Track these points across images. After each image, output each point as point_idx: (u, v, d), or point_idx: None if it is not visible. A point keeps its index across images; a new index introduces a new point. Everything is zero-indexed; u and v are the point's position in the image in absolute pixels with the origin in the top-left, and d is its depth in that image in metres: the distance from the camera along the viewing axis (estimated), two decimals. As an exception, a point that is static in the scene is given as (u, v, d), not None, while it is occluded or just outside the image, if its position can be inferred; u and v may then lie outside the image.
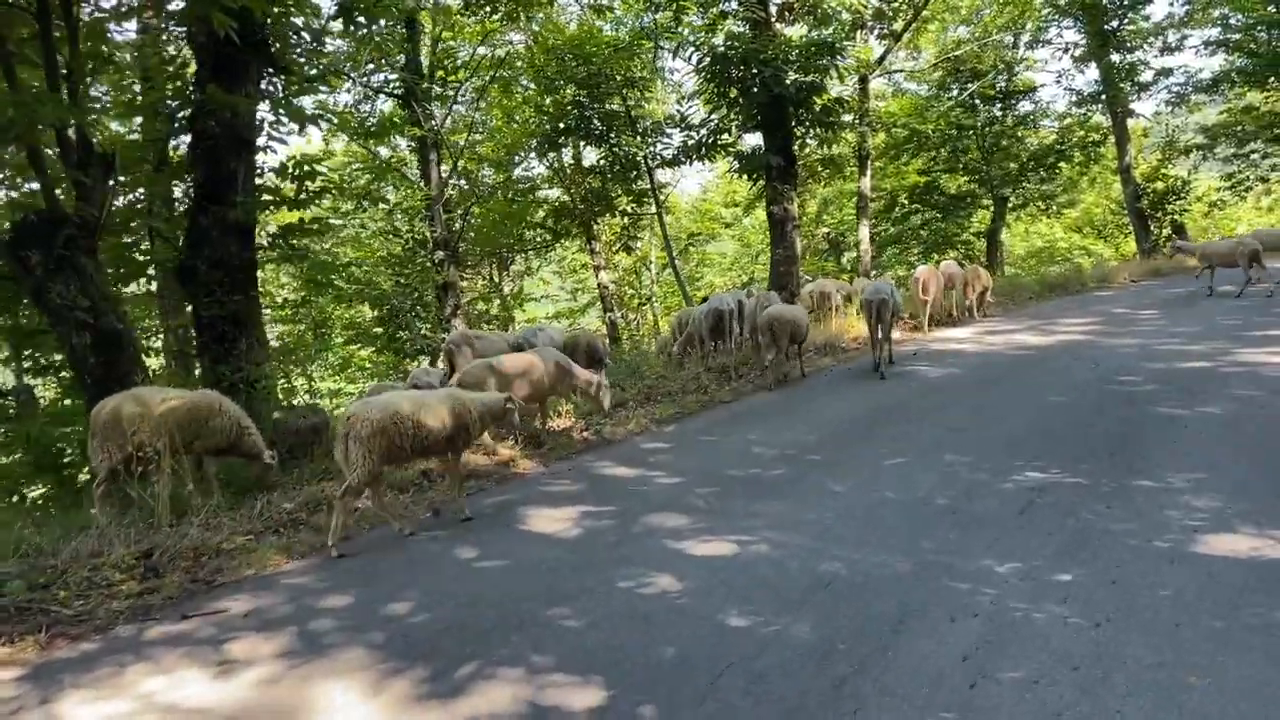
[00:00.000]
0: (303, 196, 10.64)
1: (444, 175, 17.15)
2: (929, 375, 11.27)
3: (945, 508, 5.91)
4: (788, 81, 14.56)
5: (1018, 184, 27.25)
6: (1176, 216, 28.24)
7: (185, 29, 10.12)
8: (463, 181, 19.89)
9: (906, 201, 26.97)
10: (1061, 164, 31.56)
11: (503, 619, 4.54)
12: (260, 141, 9.85)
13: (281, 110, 10.16)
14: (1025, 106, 29.43)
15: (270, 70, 10.27)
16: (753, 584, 4.80)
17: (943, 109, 24.92)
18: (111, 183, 8.96)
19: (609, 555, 5.47)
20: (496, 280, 34.24)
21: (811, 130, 16.30)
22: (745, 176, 16.59)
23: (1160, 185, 28.20)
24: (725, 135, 16.83)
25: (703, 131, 16.87)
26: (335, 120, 11.68)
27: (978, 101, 26.12)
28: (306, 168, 10.56)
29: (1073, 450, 7.08)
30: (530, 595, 4.85)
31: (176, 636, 4.61)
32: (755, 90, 14.93)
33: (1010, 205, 30.83)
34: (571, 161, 19.48)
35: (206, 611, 4.91)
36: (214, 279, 9.25)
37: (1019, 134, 27.90)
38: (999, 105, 26.41)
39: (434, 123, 16.63)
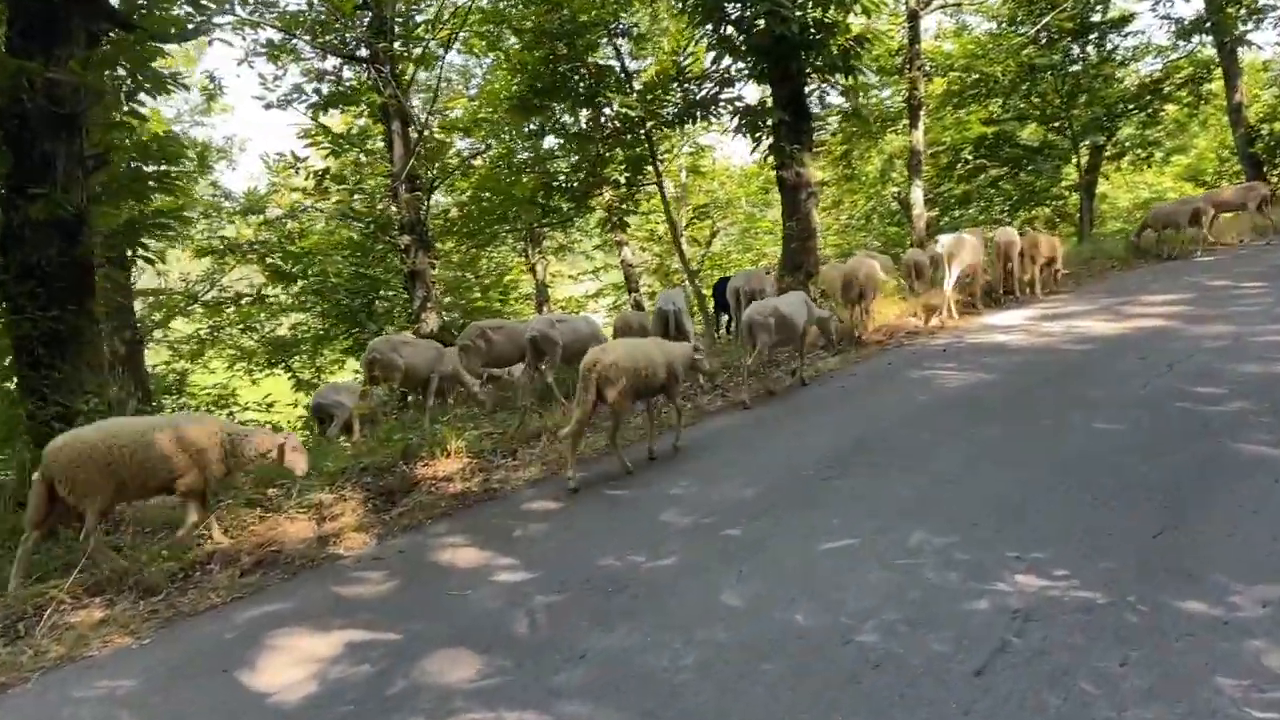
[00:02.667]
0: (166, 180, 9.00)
1: (412, 146, 15.40)
2: (947, 384, 9.05)
3: (872, 653, 3.89)
4: (792, 20, 12.23)
5: (1108, 131, 24.06)
6: (1298, 162, 24.67)
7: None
8: (457, 152, 18.18)
9: (970, 156, 24.02)
10: (1167, 106, 28.22)
11: None
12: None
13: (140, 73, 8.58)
14: (1115, 41, 26.20)
15: (113, 27, 8.67)
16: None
17: (1011, 46, 21.92)
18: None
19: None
20: (530, 258, 32.68)
21: (828, 78, 13.93)
22: (748, 136, 14.31)
23: (1279, 126, 24.66)
24: (730, 89, 14.59)
25: (707, 85, 14.65)
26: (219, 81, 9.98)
27: (1055, 35, 22.99)
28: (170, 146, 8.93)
29: (1099, 527, 4.93)
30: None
31: None
32: (754, 31, 12.66)
33: (1107, 154, 27.66)
34: (567, 126, 17.32)
35: None
36: (24, 290, 7.71)
37: (1107, 72, 24.65)
38: (1082, 40, 23.22)
39: (393, 88, 14.86)
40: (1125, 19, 24.32)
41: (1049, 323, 11.93)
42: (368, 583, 5.46)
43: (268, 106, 16.35)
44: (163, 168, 8.93)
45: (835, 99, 14.79)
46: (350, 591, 5.34)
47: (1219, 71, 24.99)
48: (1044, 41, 22.85)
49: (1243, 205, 18.13)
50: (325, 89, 15.21)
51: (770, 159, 14.29)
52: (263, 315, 18.88)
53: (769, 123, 13.65)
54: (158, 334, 19.94)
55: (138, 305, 20.17)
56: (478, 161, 17.94)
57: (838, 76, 13.97)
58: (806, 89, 14.21)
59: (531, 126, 16.98)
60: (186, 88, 8.95)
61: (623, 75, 15.39)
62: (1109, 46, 24.00)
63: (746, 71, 13.93)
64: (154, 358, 20.21)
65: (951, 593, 4.36)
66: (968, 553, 4.81)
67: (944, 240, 13.72)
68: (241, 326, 19.49)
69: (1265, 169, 24.69)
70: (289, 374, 18.02)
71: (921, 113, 20.32)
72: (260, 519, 6.70)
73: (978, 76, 22.29)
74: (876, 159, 29.67)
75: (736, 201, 31.94)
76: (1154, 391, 7.61)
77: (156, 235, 9.14)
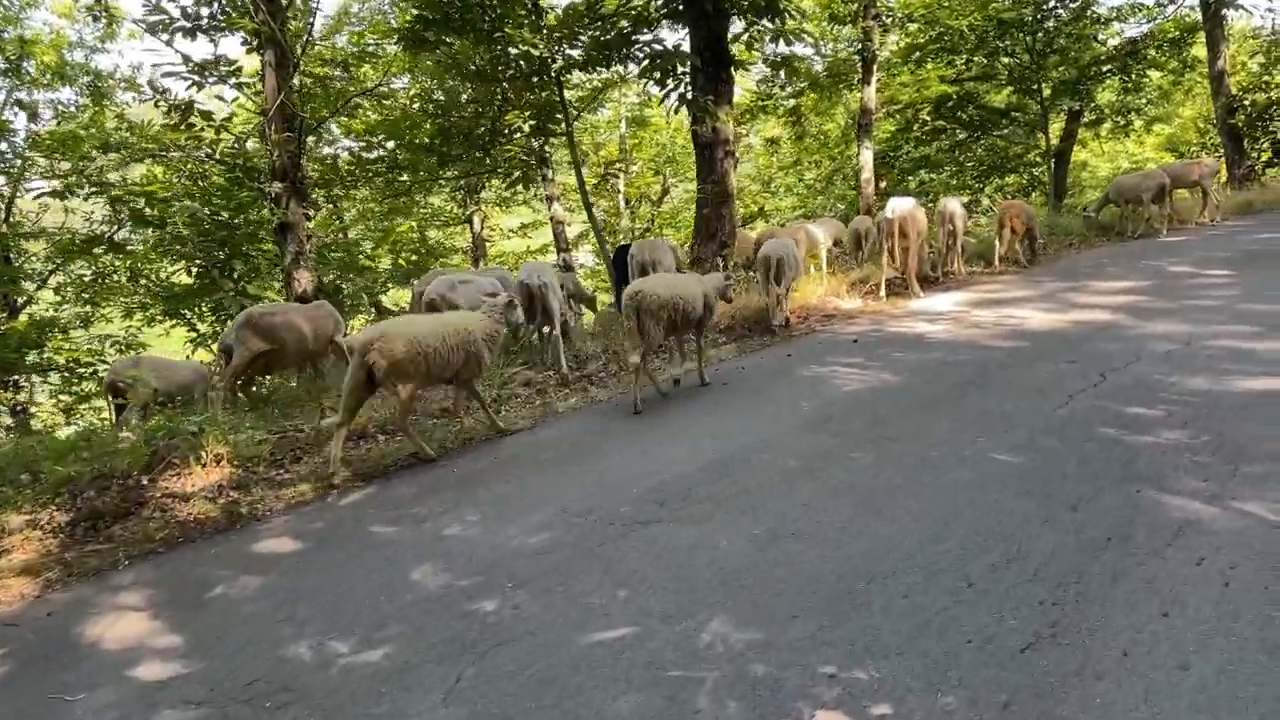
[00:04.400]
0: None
1: (287, 80, 13.72)
2: (842, 388, 7.73)
3: None
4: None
5: (1080, 96, 22.63)
6: (1280, 136, 23.49)
7: None
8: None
9: (929, 117, 22.52)
10: (1150, 71, 26.88)
11: None
12: None
13: None
14: (1095, -1, 24.76)
15: None
16: None
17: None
18: None
19: None
20: (464, 209, 30.90)
21: (754, 20, 12.38)
22: (658, 85, 12.73)
23: (1262, 97, 23.39)
24: (647, 30, 12.95)
25: (621, 24, 13.02)
26: None
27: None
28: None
29: (960, 627, 3.64)
30: None
31: None
32: (665, -40, 11.11)
33: (1085, 121, 26.35)
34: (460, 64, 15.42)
35: None
36: None
37: (1082, 32, 23.19)
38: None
39: (264, 10, 13.14)
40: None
41: (983, 310, 10.66)
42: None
43: (152, 31, 14.58)
44: None
45: (786, 47, 12.99)
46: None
47: (1203, 36, 23.71)
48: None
49: (1194, 182, 16.84)
50: (198, 10, 13.44)
51: (680, 112, 12.79)
52: (160, 263, 17.32)
53: (681, 69, 12.11)
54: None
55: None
56: (367, 103, 16.25)
57: (765, 21, 12.38)
58: (730, 33, 12.66)
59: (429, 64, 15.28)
60: None
61: (532, 9, 13.71)
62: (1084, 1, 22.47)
63: (661, 8, 12.34)
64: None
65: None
66: (768, 662, 3.50)
67: (894, 205, 12.21)
68: (128, 275, 17.92)
69: (1245, 142, 23.52)
70: (187, 326, 16.45)
71: (875, 67, 18.86)
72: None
73: (941, 30, 20.73)
74: (841, 117, 28.17)
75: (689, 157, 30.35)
76: (1076, 412, 6.32)
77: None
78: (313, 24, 14.40)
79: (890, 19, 20.26)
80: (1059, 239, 16.40)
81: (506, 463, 6.57)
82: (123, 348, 18.05)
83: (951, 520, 4.70)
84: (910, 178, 25.28)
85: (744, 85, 24.06)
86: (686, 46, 12.72)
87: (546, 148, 21.41)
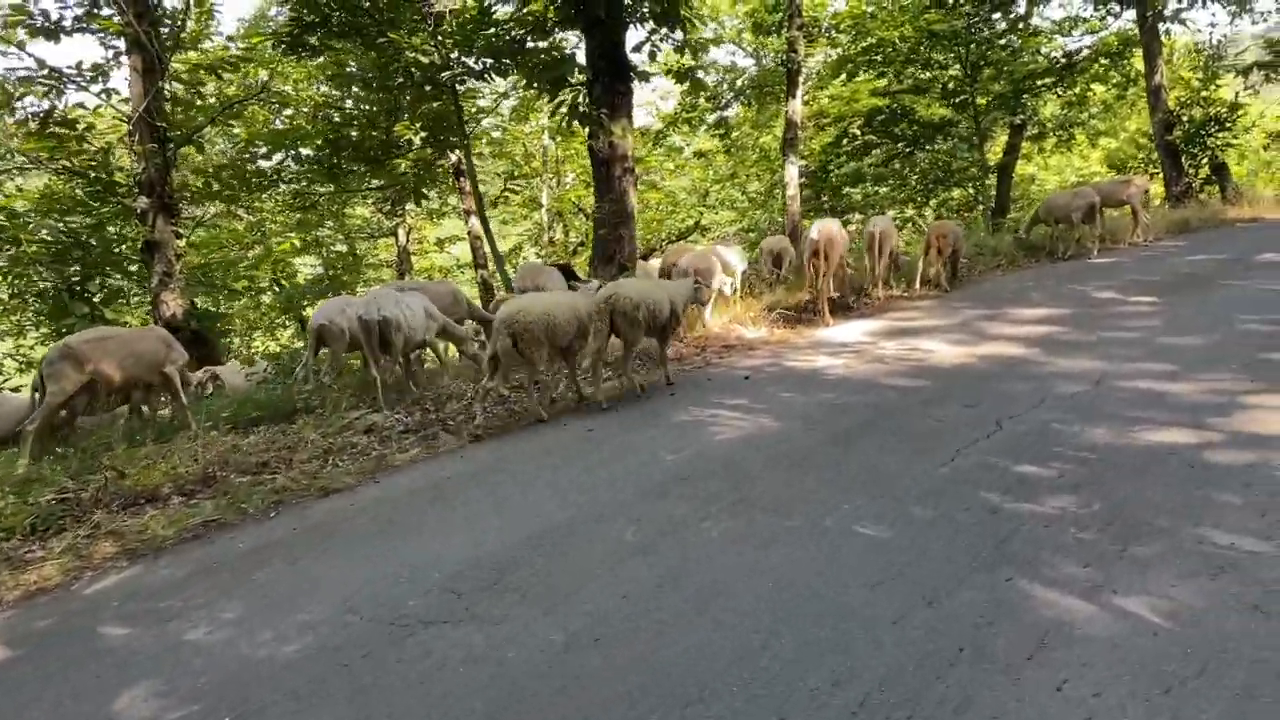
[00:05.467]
0: None
1: (155, 86, 12.78)
2: (715, 438, 7.00)
3: None
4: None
5: (1015, 110, 22.31)
6: (1218, 153, 23.30)
7: None
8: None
9: (859, 131, 22.02)
10: (1094, 85, 26.79)
11: None
12: None
13: None
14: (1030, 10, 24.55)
15: None
16: None
17: (908, 5, 19.93)
18: None
19: None
20: (393, 224, 29.85)
21: (657, 28, 11.68)
22: (547, 97, 11.96)
23: (1199, 113, 23.23)
24: (544, 37, 12.18)
25: (515, 31, 12.25)
26: None
27: (962, 2, 21.08)
28: None
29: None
30: None
31: None
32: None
33: (1028, 134, 26.16)
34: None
35: None
36: None
37: (1026, 42, 22.93)
38: (989, 5, 21.37)
39: (129, 12, 12.21)
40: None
41: (890, 341, 10.04)
42: None
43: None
44: None
45: (691, 58, 12.28)
46: None
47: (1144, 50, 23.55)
48: (951, 5, 20.91)
49: (1123, 201, 16.48)
50: (60, 11, 12.47)
51: (573, 125, 12.02)
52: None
53: (576, 79, 11.37)
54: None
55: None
56: (262, 113, 15.28)
57: (665, 30, 11.68)
58: (631, 40, 12.00)
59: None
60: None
61: (424, 14, 12.88)
62: (1019, 12, 22.20)
63: (555, 13, 11.59)
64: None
65: None
66: None
67: (819, 226, 11.78)
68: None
69: (1183, 159, 23.36)
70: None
71: (800, 79, 18.30)
72: None
73: (873, 42, 20.24)
74: (781, 129, 27.63)
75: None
76: (960, 470, 5.65)
77: None
78: (183, 26, 13.40)
79: (817, 29, 19.70)
80: (987, 259, 15.91)
81: (308, 533, 5.73)
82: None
83: (786, 621, 3.96)
84: (851, 190, 24.76)
85: (671, 96, 23.50)
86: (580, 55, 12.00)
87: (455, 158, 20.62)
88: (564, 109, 11.19)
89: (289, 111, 15.92)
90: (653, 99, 31.01)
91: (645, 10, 11.25)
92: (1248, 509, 4.60)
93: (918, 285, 13.52)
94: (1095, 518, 4.72)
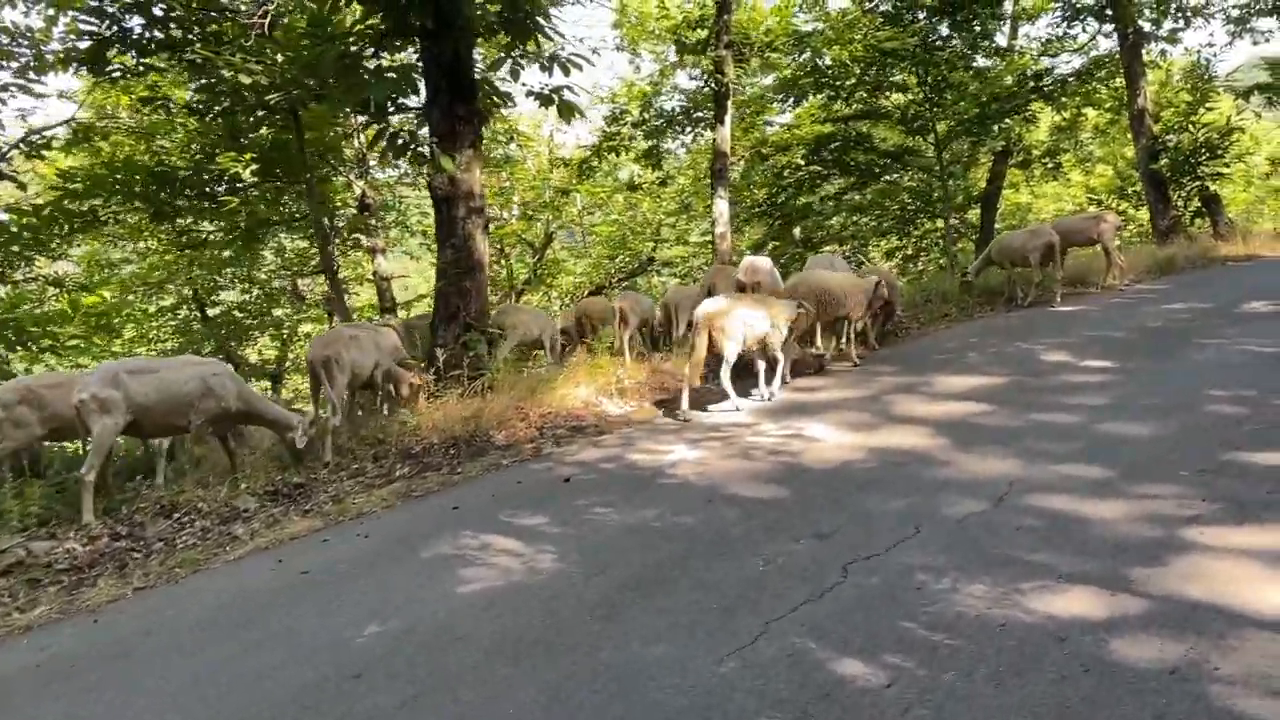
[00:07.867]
0: None
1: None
2: (455, 592, 5.23)
3: None
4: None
5: (981, 135, 20.69)
6: (1209, 183, 21.68)
7: None
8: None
9: (803, 161, 20.33)
10: (1086, 110, 25.46)
11: None
12: None
13: None
14: (1000, 28, 23.18)
15: None
16: None
17: (850, 20, 18.36)
18: None
19: None
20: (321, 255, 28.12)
21: (505, 41, 10.04)
22: (370, 121, 10.26)
23: (1188, 139, 21.63)
24: (389, 53, 10.54)
25: (348, 44, 10.61)
26: None
27: (920, 18, 19.53)
28: None
29: None
30: None
31: None
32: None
33: (1013, 162, 24.71)
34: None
35: None
36: None
37: (989, 64, 21.40)
38: (950, 19, 19.81)
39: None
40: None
41: (772, 423, 8.31)
42: None
43: None
44: None
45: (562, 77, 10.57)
46: None
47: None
48: (907, 23, 19.32)
49: (1090, 239, 14.83)
50: None
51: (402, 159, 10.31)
52: None
53: (404, 99, 9.71)
54: None
55: None
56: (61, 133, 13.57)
57: (516, 42, 9.99)
58: (479, 56, 10.34)
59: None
60: None
61: (249, 25, 11.23)
62: (984, 29, 20.66)
63: (389, 23, 9.92)
64: None
65: None
66: None
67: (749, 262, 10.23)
68: None
69: (1170, 190, 21.77)
70: None
71: (729, 103, 16.73)
72: None
73: (819, 64, 18.60)
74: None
75: (573, 196, 27.76)
76: (750, 665, 3.87)
77: None
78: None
79: (749, 49, 18.11)
80: (935, 307, 14.22)
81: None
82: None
83: None
84: (811, 221, 23.04)
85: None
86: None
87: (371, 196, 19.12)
88: (383, 141, 9.42)
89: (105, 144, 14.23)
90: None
91: (494, 19, 9.62)
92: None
93: (843, 343, 11.79)
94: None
